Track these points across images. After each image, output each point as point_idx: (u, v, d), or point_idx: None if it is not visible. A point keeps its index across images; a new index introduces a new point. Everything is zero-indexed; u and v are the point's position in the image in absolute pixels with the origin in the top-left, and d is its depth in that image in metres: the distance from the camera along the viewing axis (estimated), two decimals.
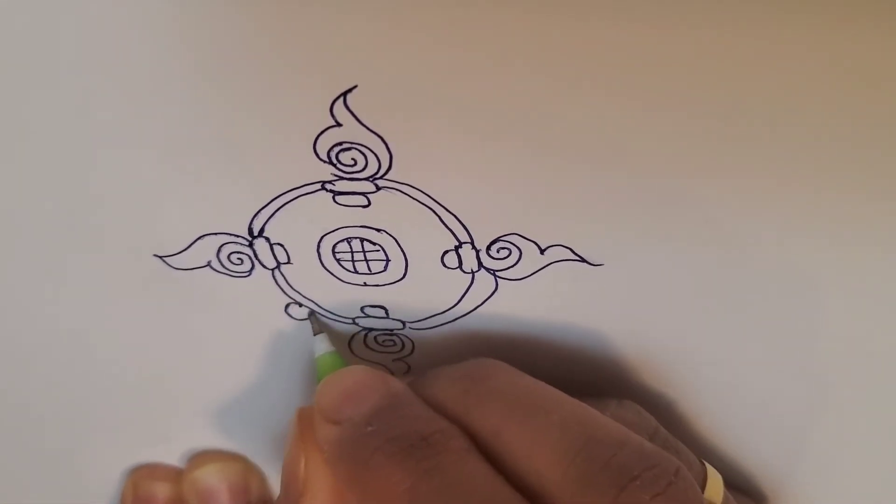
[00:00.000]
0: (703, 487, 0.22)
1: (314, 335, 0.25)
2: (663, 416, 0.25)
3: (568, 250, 0.22)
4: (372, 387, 0.21)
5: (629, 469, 0.18)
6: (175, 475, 0.31)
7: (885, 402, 0.24)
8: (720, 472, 0.23)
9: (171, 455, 0.31)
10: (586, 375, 0.25)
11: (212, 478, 0.30)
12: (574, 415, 0.20)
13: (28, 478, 0.32)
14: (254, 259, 0.23)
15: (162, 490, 0.30)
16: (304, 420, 0.22)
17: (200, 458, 0.30)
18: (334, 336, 0.25)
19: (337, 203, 0.21)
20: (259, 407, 0.28)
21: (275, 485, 0.31)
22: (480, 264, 0.22)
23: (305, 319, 0.25)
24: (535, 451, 0.19)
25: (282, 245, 0.23)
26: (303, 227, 0.22)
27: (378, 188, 0.21)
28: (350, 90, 0.18)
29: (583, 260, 0.22)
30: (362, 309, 0.24)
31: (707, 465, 0.23)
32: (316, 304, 0.24)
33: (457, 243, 0.22)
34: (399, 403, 0.21)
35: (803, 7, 0.16)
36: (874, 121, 0.18)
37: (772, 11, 0.16)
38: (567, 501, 0.18)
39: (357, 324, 0.25)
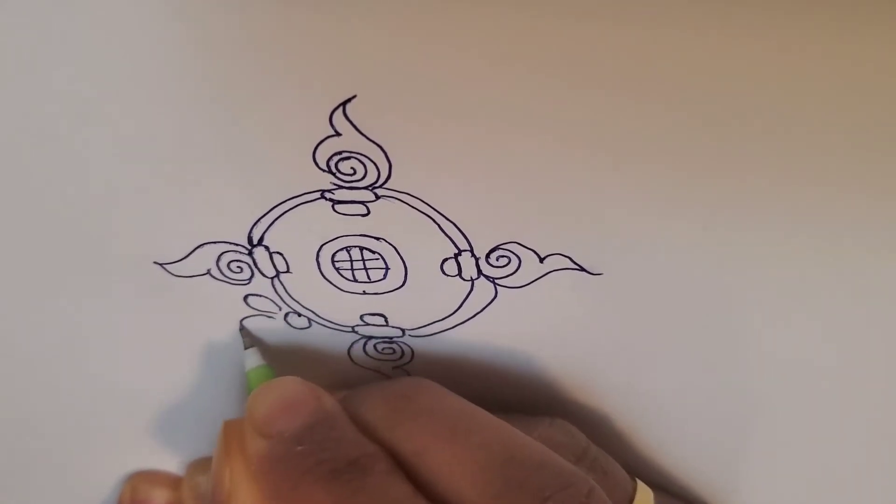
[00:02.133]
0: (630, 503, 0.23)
1: (245, 349, 0.25)
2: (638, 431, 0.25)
3: (567, 259, 0.21)
4: (304, 402, 0.21)
5: (543, 489, 0.19)
6: (173, 482, 0.31)
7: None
8: (661, 483, 0.23)
9: (171, 462, 0.30)
10: (583, 385, 0.25)
11: (211, 484, 0.29)
12: (496, 436, 0.20)
13: (26, 483, 0.31)
14: (253, 268, 0.23)
15: (159, 496, 0.30)
16: (230, 432, 0.22)
17: (200, 464, 0.30)
18: (273, 350, 0.25)
19: (336, 212, 0.21)
20: None
21: None
22: (480, 272, 0.22)
23: (306, 328, 0.25)
24: (456, 470, 0.20)
25: (281, 254, 0.22)
26: (302, 235, 0.22)
27: (377, 197, 0.20)
28: (349, 100, 0.18)
29: (582, 269, 0.22)
30: (361, 317, 0.24)
31: (638, 481, 0.23)
32: (315, 312, 0.24)
33: (456, 251, 0.22)
34: (330, 424, 0.21)
35: (800, 8, 0.16)
36: (875, 124, 0.17)
37: (770, 12, 0.16)
38: None
39: (356, 332, 0.25)
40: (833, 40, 0.16)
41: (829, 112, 0.17)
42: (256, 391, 0.22)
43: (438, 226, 0.21)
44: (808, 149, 0.18)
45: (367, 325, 0.24)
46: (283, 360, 0.26)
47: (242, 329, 0.25)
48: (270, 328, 0.25)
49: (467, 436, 0.20)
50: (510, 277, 0.22)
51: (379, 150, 0.19)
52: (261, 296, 0.24)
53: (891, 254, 0.20)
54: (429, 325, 0.24)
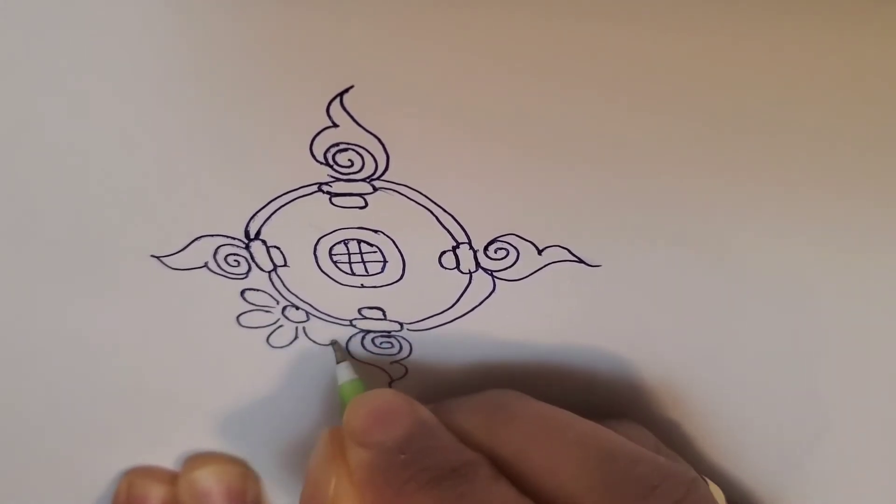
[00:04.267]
0: None
1: (337, 363, 0.25)
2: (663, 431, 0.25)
3: (566, 251, 0.21)
4: (401, 412, 0.22)
5: (649, 480, 0.20)
6: (170, 477, 0.30)
7: (886, 418, 0.24)
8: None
9: (168, 458, 0.30)
10: (585, 382, 0.25)
11: (208, 480, 0.29)
12: (590, 432, 0.21)
13: (23, 479, 0.31)
14: (250, 261, 0.23)
15: (156, 491, 0.30)
16: (335, 441, 0.22)
17: (197, 460, 0.30)
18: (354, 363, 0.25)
19: (334, 205, 0.21)
20: (258, 410, 0.28)
21: (271, 490, 0.31)
22: (478, 265, 0.22)
23: (304, 321, 0.24)
24: (558, 466, 0.20)
25: (278, 247, 0.22)
26: (299, 229, 0.21)
27: (375, 189, 0.20)
28: (347, 90, 0.18)
29: (580, 261, 0.21)
30: (359, 311, 0.24)
31: (707, 480, 0.23)
32: (312, 306, 0.24)
33: (454, 244, 0.21)
34: (429, 433, 0.22)
35: (797, 8, 0.16)
36: (873, 123, 0.17)
37: (768, 13, 0.16)
38: None
39: (354, 326, 0.24)
40: (833, 39, 0.16)
41: (829, 112, 0.17)
42: (353, 403, 0.22)
43: (436, 218, 0.21)
44: (806, 145, 0.18)
45: (365, 318, 0.24)
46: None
47: (334, 343, 0.25)
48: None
49: (562, 434, 0.21)
50: (508, 270, 0.22)
51: (377, 141, 0.19)
52: (258, 290, 0.24)
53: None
54: (427, 318, 0.24)
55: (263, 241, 0.22)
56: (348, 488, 0.21)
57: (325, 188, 0.20)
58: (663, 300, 0.22)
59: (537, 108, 0.18)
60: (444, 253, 0.22)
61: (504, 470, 0.21)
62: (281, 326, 0.25)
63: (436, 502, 0.20)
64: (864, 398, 0.23)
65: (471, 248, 0.21)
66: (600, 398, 0.26)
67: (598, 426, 0.21)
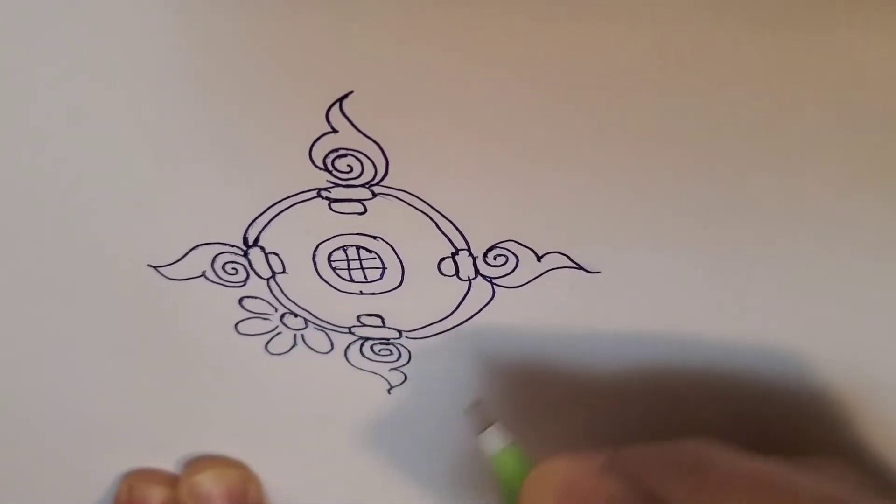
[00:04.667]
0: None
1: (482, 430, 0.22)
2: None
3: (565, 257, 0.21)
4: (590, 491, 0.19)
5: None
6: (171, 480, 0.30)
7: None
8: None
9: (168, 461, 0.30)
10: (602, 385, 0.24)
11: (208, 483, 0.29)
12: (818, 490, 0.18)
13: (24, 481, 0.31)
14: (248, 269, 0.22)
15: (157, 494, 0.30)
16: None
17: (198, 463, 0.30)
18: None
19: (333, 210, 0.20)
20: (258, 413, 0.27)
21: (271, 492, 0.31)
22: (477, 271, 0.22)
23: (302, 329, 0.24)
24: None
25: (277, 254, 0.22)
26: (298, 235, 0.21)
27: (374, 195, 0.20)
28: (346, 96, 0.18)
29: (580, 267, 0.21)
30: (358, 318, 0.24)
31: None
32: (311, 313, 0.24)
33: (453, 250, 0.21)
34: None
35: (796, 8, 0.16)
36: (872, 122, 0.17)
37: (766, 13, 0.16)
38: None
39: (353, 333, 0.24)
40: (833, 39, 0.16)
41: (829, 111, 0.17)
42: (532, 484, 0.20)
43: (436, 224, 0.20)
44: (807, 148, 0.18)
45: (364, 325, 0.24)
46: None
47: (477, 405, 0.22)
48: None
49: (794, 495, 0.18)
50: (508, 277, 0.22)
51: (376, 146, 0.19)
52: (256, 297, 0.23)
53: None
54: (426, 326, 0.24)
55: (262, 248, 0.22)
56: None
57: (324, 194, 0.20)
58: (662, 307, 0.22)
59: (537, 113, 0.18)
60: (443, 259, 0.21)
61: None
62: (279, 334, 0.25)
63: None
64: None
65: (470, 254, 0.21)
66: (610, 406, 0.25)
67: (820, 479, 0.19)
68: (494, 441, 0.21)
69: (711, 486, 0.19)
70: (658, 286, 0.21)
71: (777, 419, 0.24)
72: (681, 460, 0.19)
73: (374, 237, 0.21)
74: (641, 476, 0.20)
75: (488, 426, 0.21)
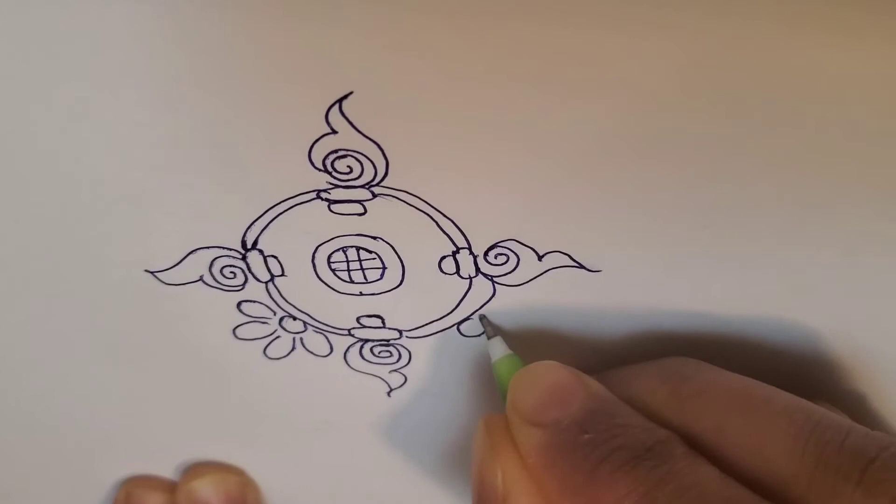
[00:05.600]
0: None
1: (488, 338, 0.23)
2: None
3: (566, 256, 0.21)
4: (574, 387, 0.20)
5: (866, 450, 0.17)
6: (169, 487, 0.30)
7: None
8: None
9: (167, 467, 0.30)
10: None
11: (207, 489, 0.29)
12: (793, 402, 0.18)
13: (22, 486, 0.31)
14: (247, 272, 0.22)
15: (155, 500, 0.30)
16: (494, 429, 0.20)
17: (196, 469, 0.30)
18: (507, 336, 0.23)
19: (332, 212, 0.20)
20: (256, 419, 0.27)
21: (270, 499, 0.30)
22: (478, 270, 0.21)
23: (301, 332, 0.24)
24: (763, 442, 0.18)
25: (276, 257, 0.22)
26: (297, 237, 0.21)
27: (374, 195, 0.20)
28: (346, 97, 0.18)
29: (581, 266, 0.21)
30: (358, 319, 0.23)
31: None
32: (310, 316, 0.23)
33: (454, 249, 0.21)
34: (610, 408, 0.19)
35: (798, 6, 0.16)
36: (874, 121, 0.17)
37: (765, 10, 0.16)
38: (808, 489, 0.17)
39: (352, 335, 0.24)
40: (833, 37, 0.16)
41: (828, 110, 0.17)
42: (518, 378, 0.20)
43: (436, 223, 0.20)
44: (809, 148, 0.18)
45: (364, 327, 0.24)
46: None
47: (483, 318, 0.23)
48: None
49: (765, 405, 0.18)
50: (509, 276, 0.22)
51: (376, 147, 0.19)
52: (255, 301, 0.23)
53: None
54: (426, 324, 0.23)
55: (261, 251, 0.22)
56: (520, 476, 0.19)
57: (323, 195, 0.20)
58: (663, 306, 0.22)
59: (537, 114, 0.18)
60: (443, 258, 0.21)
61: (698, 448, 0.18)
62: (278, 338, 0.24)
63: (635, 485, 0.17)
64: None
65: (471, 253, 0.21)
66: None
67: (798, 397, 0.19)
68: (498, 349, 0.22)
69: (687, 391, 0.19)
70: (659, 285, 0.21)
71: None
72: (662, 371, 0.20)
73: (374, 238, 0.21)
74: (625, 382, 0.20)
75: (494, 336, 0.23)
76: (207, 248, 0.22)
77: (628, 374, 0.21)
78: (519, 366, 0.22)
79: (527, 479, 0.19)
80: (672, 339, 0.23)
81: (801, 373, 0.23)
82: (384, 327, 0.24)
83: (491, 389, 0.25)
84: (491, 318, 0.23)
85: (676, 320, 0.22)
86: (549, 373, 0.20)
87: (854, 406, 0.24)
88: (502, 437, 0.20)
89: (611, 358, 0.23)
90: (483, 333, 0.23)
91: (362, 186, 0.19)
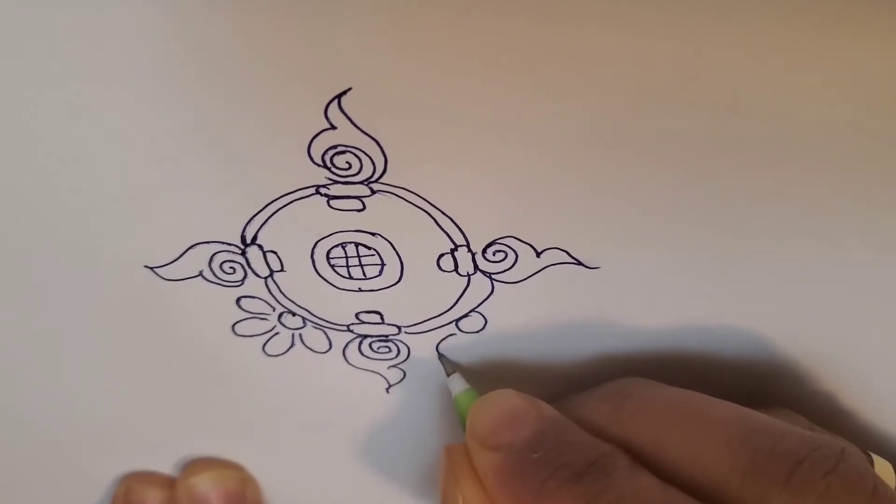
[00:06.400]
0: None
1: (447, 375, 0.24)
2: None
3: (564, 253, 0.21)
4: (526, 412, 0.21)
5: (795, 453, 0.18)
6: (168, 483, 0.30)
7: None
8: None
9: (166, 463, 0.30)
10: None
11: (206, 485, 0.29)
12: (732, 413, 0.20)
13: (20, 483, 0.31)
14: (246, 268, 0.22)
15: (154, 496, 0.30)
16: (454, 457, 0.22)
17: (195, 465, 0.30)
18: (465, 371, 0.25)
19: (331, 207, 0.20)
20: (255, 416, 0.27)
21: (270, 495, 0.30)
22: (476, 267, 0.21)
23: (300, 328, 0.24)
24: (699, 450, 0.19)
25: (275, 252, 0.22)
26: (296, 233, 0.21)
27: (373, 192, 0.20)
28: (345, 92, 0.18)
29: (579, 263, 0.21)
30: (357, 315, 0.23)
31: (873, 454, 0.22)
32: (309, 311, 0.23)
33: (452, 246, 0.21)
34: (558, 429, 0.21)
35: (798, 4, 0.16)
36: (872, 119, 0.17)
37: (765, 10, 0.16)
38: (739, 494, 0.18)
39: (351, 331, 0.24)
40: (833, 36, 0.16)
41: (828, 110, 0.17)
42: (475, 408, 0.22)
43: (435, 220, 0.20)
44: (807, 147, 0.18)
45: (363, 323, 0.24)
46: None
47: (441, 357, 0.24)
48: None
49: (702, 416, 0.20)
50: (507, 272, 0.22)
51: (374, 143, 0.19)
52: (254, 297, 0.23)
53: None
54: (425, 321, 0.23)
55: (260, 247, 0.21)
56: (479, 499, 0.21)
57: (322, 191, 0.20)
58: (661, 302, 0.22)
59: (536, 111, 0.18)
60: (442, 255, 0.21)
61: (641, 460, 0.20)
62: (277, 334, 0.24)
63: (578, 499, 0.19)
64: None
65: (469, 250, 0.21)
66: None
67: (739, 406, 0.20)
68: (457, 384, 0.24)
69: (628, 408, 0.21)
70: (657, 281, 0.21)
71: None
72: (606, 391, 0.22)
73: (373, 234, 0.21)
74: (574, 406, 0.22)
75: (453, 372, 0.24)
76: (207, 243, 0.22)
77: (579, 397, 0.22)
78: (475, 398, 0.23)
79: (485, 499, 0.21)
80: (669, 338, 0.23)
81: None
82: (383, 323, 0.24)
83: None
84: (491, 318, 0.23)
85: (674, 318, 0.22)
86: (503, 400, 0.22)
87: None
88: (462, 464, 0.22)
89: (604, 365, 0.23)
90: (482, 330, 0.23)
91: (361, 182, 0.19)
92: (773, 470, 0.18)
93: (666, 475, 0.19)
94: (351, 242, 0.21)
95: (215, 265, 0.22)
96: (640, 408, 0.21)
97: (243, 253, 0.22)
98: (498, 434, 0.21)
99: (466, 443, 0.22)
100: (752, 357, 0.23)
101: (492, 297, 0.22)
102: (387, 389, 0.26)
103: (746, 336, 0.23)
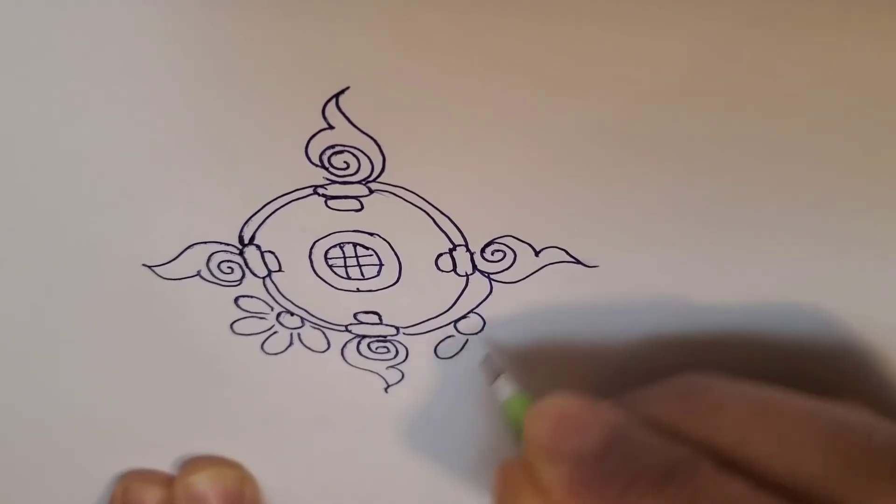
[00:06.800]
0: None
1: (494, 378, 0.23)
2: None
3: (563, 252, 0.21)
4: (587, 417, 0.19)
5: (893, 447, 0.17)
6: (167, 481, 0.30)
7: None
8: None
9: (164, 462, 0.30)
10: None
11: (204, 484, 0.29)
12: (814, 407, 0.18)
13: (18, 481, 0.31)
14: (244, 267, 0.22)
15: (152, 494, 0.29)
16: (510, 475, 0.20)
17: (193, 464, 0.30)
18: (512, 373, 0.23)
19: (329, 207, 0.20)
20: (254, 414, 0.27)
21: (268, 494, 0.30)
22: (475, 267, 0.21)
23: (299, 328, 0.24)
24: (786, 450, 0.18)
25: (273, 252, 0.22)
26: (294, 233, 0.21)
27: (371, 191, 0.20)
28: (342, 92, 0.18)
29: (578, 262, 0.21)
30: (355, 315, 0.23)
31: None
32: (308, 311, 0.23)
33: (451, 246, 0.21)
34: (627, 433, 0.19)
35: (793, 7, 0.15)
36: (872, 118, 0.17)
37: (762, 11, 0.16)
38: (840, 492, 0.17)
39: (350, 331, 0.24)
40: (833, 36, 0.16)
41: (828, 110, 0.17)
42: (532, 416, 0.20)
43: (433, 220, 0.20)
44: (807, 147, 0.18)
45: (361, 323, 0.24)
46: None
47: (487, 357, 0.23)
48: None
49: (783, 412, 0.18)
50: (506, 272, 0.21)
51: (372, 143, 0.18)
52: (252, 297, 0.23)
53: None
54: (423, 322, 0.23)
55: (258, 247, 0.21)
56: None
57: (320, 191, 0.20)
58: (660, 300, 0.22)
59: (534, 110, 0.18)
60: (440, 255, 0.21)
61: (721, 461, 0.18)
62: (276, 333, 0.24)
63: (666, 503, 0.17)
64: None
65: (467, 250, 0.21)
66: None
67: (814, 400, 0.19)
68: (505, 389, 0.22)
69: (703, 408, 0.19)
70: (656, 280, 0.21)
71: None
72: (675, 390, 0.20)
73: (371, 234, 0.21)
74: (638, 406, 0.20)
75: (498, 376, 0.23)
76: (205, 242, 0.22)
77: (643, 396, 0.21)
78: (529, 403, 0.21)
79: None
80: (668, 336, 0.23)
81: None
82: (381, 323, 0.24)
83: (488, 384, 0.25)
84: (489, 318, 0.23)
85: (673, 316, 0.22)
86: (563, 404, 0.20)
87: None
88: (520, 481, 0.20)
89: (615, 358, 0.23)
90: (481, 330, 0.23)
91: (359, 182, 0.19)
92: (874, 466, 0.17)
93: (754, 478, 0.18)
94: (349, 242, 0.21)
95: (213, 265, 0.22)
96: (716, 407, 0.19)
97: (241, 253, 0.22)
98: (564, 442, 0.19)
99: (527, 455, 0.20)
100: (753, 357, 0.23)
101: (490, 296, 0.22)
102: (385, 389, 0.26)
103: (747, 336, 0.23)
